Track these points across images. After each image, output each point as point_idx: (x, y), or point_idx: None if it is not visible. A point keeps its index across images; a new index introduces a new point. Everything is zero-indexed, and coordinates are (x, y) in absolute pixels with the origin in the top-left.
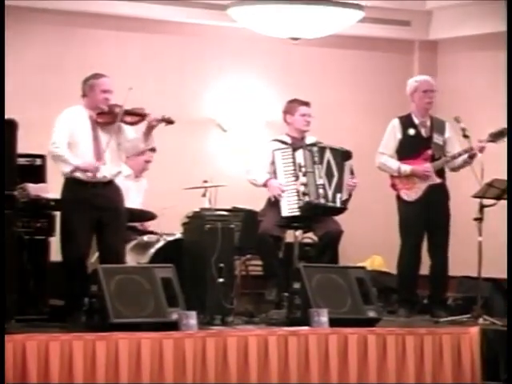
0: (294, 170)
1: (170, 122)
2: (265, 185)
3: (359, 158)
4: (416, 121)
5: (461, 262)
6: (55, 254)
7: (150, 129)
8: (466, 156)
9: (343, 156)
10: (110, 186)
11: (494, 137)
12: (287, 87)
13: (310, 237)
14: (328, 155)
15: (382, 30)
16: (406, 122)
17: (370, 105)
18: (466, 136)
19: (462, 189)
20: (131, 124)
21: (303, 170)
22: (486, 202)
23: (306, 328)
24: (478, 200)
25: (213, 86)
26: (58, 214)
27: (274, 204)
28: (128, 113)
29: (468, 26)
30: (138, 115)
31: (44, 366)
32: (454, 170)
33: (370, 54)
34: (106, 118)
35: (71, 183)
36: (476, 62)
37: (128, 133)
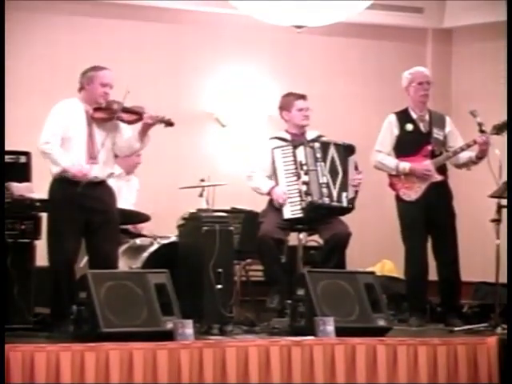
0: (296, 168)
1: (169, 123)
2: (269, 193)
3: (367, 154)
4: (413, 115)
5: (477, 267)
6: (41, 258)
7: (146, 128)
8: (472, 154)
9: (346, 151)
10: (101, 186)
11: (499, 129)
12: (290, 79)
13: (315, 239)
14: (332, 151)
15: (393, 18)
16: (403, 117)
17: (379, 97)
18: (482, 131)
19: (479, 188)
20: (128, 123)
21: (305, 168)
22: (505, 202)
23: (310, 338)
24: (495, 200)
25: (211, 78)
26: (44, 215)
27: (275, 205)
28: (126, 110)
29: (485, 13)
30: (135, 114)
31: (29, 378)
32: (459, 166)
33: (379, 43)
34: (103, 113)
35: (60, 182)
36: (493, 51)
37: (124, 131)
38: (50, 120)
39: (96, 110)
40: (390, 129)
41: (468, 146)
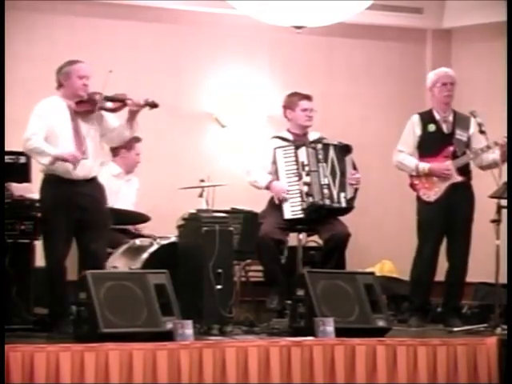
0: (297, 169)
1: (153, 105)
2: (267, 187)
3: (367, 154)
4: (437, 116)
5: (477, 268)
6: (41, 258)
7: (133, 114)
8: (497, 157)
9: (342, 151)
10: (92, 183)
11: None
12: (290, 79)
13: (315, 240)
14: (332, 152)
15: (393, 18)
16: (426, 117)
17: (379, 97)
18: (482, 132)
19: (479, 188)
20: (112, 111)
21: (306, 168)
22: (505, 202)
23: (310, 338)
24: (495, 200)
25: (210, 78)
26: None
27: (275, 205)
28: (108, 99)
29: (484, 13)
30: (119, 101)
31: (29, 378)
32: (483, 168)
33: (379, 43)
34: (86, 106)
35: (50, 180)
36: (493, 51)
37: (111, 121)
38: (32, 120)
39: (78, 103)
40: (412, 129)
41: (488, 148)
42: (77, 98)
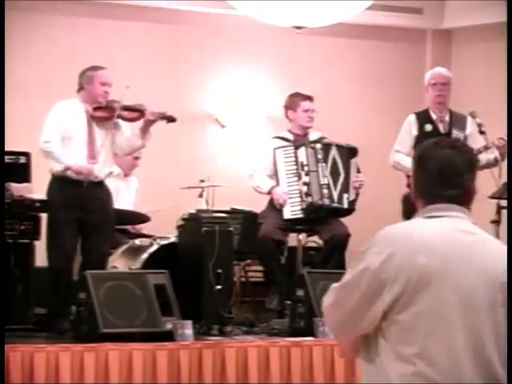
0: (297, 169)
1: (171, 120)
2: (269, 192)
3: (367, 155)
4: (433, 116)
5: None
6: (41, 258)
7: (148, 125)
8: (491, 157)
9: (349, 153)
10: (99, 186)
11: None
12: (290, 80)
13: (315, 240)
14: (333, 152)
15: (393, 19)
16: (423, 117)
17: (379, 98)
18: (482, 132)
19: (478, 189)
20: (129, 120)
21: (306, 168)
22: (505, 203)
23: (310, 339)
24: (495, 201)
25: (210, 79)
26: (43, 215)
27: (275, 205)
28: (126, 108)
29: (484, 13)
30: (136, 111)
31: (29, 378)
32: (479, 168)
33: (379, 43)
34: (103, 112)
35: (59, 181)
36: (493, 51)
37: (124, 130)
38: (50, 120)
39: (96, 109)
40: (408, 129)
41: (486, 149)
42: (96, 103)
